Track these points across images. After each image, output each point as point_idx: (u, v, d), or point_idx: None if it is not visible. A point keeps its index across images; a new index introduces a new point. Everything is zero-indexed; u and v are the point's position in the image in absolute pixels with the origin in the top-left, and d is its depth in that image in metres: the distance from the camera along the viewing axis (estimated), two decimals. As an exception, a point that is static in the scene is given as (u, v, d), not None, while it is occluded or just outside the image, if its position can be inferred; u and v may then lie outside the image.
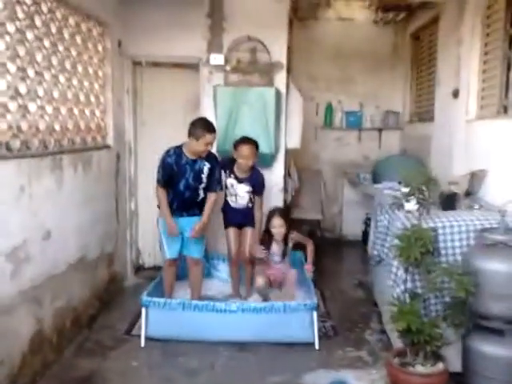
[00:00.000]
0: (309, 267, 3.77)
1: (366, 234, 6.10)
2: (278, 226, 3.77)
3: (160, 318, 3.34)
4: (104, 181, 3.99)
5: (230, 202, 3.96)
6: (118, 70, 4.28)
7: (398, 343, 3.19)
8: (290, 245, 3.88)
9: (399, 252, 2.74)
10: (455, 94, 4.15)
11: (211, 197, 3.63)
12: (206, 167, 3.58)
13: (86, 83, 3.69)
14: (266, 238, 3.82)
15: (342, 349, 3.35)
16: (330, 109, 6.25)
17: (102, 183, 3.93)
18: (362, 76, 6.25)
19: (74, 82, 3.47)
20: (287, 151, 4.53)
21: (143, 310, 3.33)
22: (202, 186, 3.60)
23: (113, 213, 4.23)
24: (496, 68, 3.53)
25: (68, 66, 3.35)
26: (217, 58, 4.30)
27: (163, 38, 4.35)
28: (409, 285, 2.88)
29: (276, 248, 3.84)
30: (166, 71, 4.70)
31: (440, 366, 2.70)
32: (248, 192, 3.86)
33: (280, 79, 4.33)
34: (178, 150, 3.56)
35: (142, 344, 3.33)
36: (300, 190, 5.85)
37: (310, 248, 3.87)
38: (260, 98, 4.13)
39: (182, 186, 3.57)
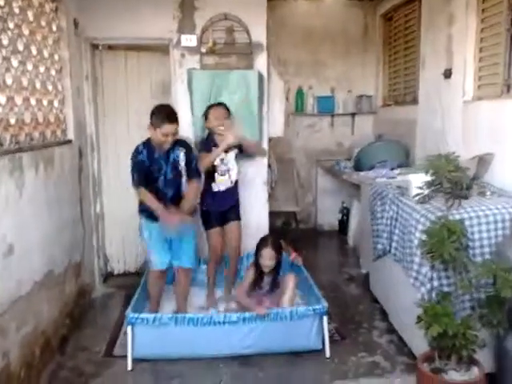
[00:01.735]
0: (294, 255, 3.46)
1: (342, 223, 5.89)
2: (267, 259, 3.25)
3: (148, 336, 2.90)
4: (67, 181, 3.45)
5: (215, 187, 3.51)
6: (75, 54, 3.72)
7: (413, 344, 2.94)
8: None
9: (429, 248, 2.45)
10: (447, 74, 3.91)
11: (192, 183, 3.17)
12: (181, 155, 3.12)
13: (41, 68, 3.13)
14: (255, 273, 3.30)
15: (353, 355, 3.05)
16: (300, 94, 5.92)
17: (65, 184, 3.39)
18: (333, 59, 5.95)
19: (29, 66, 2.91)
20: (270, 140, 4.15)
21: (129, 329, 2.87)
22: (183, 179, 3.17)
23: (78, 217, 3.70)
24: (499, 45, 3.31)
25: (20, 46, 2.79)
26: (189, 39, 3.83)
27: (126, 18, 3.83)
28: (435, 283, 2.61)
29: (267, 280, 3.33)
30: (129, 54, 4.18)
31: (475, 370, 2.45)
32: (236, 158, 3.53)
33: (260, 61, 3.93)
34: (147, 145, 3.10)
35: (129, 367, 2.87)
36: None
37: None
38: (242, 82, 3.73)
39: (161, 183, 3.12)
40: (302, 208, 6.05)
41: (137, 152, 3.09)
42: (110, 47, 4.34)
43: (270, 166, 4.41)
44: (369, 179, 4.07)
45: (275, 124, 4.08)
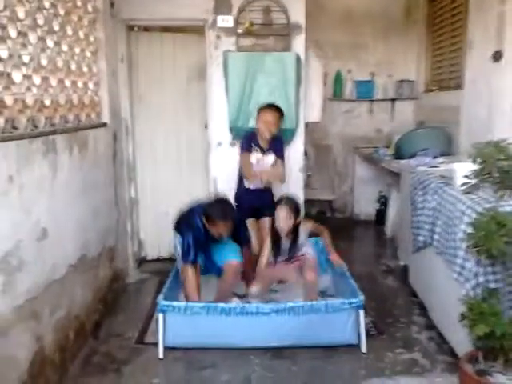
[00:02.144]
0: (335, 257, 3.29)
1: (380, 213, 5.71)
2: (283, 220, 3.10)
3: (180, 325, 2.85)
4: (102, 165, 3.43)
5: (246, 184, 3.50)
6: (110, 35, 3.67)
7: (455, 342, 2.79)
8: (304, 236, 3.30)
9: (475, 242, 2.29)
10: (497, 57, 3.67)
11: (233, 267, 3.26)
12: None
13: (76, 49, 3.08)
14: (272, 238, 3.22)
15: (390, 351, 2.92)
16: (339, 78, 5.73)
17: (99, 168, 3.37)
18: (373, 42, 5.73)
19: (64, 47, 2.87)
20: (307, 125, 4.01)
21: (160, 317, 2.83)
22: None
23: (112, 202, 3.68)
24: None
25: (56, 26, 2.75)
26: (225, 20, 3.72)
27: (162, -2, 3.74)
28: (480, 279, 2.45)
29: (285, 246, 3.25)
30: (165, 36, 4.11)
31: (524, 374, 2.29)
32: (273, 161, 3.45)
33: (298, 43, 3.79)
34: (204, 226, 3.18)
35: (161, 355, 2.83)
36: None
37: (326, 235, 3.35)
38: (279, 65, 3.60)
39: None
40: (338, 196, 5.91)
41: (192, 228, 3.19)
42: (146, 29, 4.29)
43: (306, 152, 4.29)
44: (410, 168, 3.88)
45: (312, 109, 3.95)
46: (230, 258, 3.26)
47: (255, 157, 3.41)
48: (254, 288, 3.18)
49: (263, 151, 3.41)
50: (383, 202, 5.66)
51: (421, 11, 5.60)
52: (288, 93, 3.62)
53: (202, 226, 3.15)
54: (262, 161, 3.41)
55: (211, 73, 3.86)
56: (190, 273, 3.14)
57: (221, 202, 3.24)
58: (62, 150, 2.68)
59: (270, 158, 3.44)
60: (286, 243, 3.21)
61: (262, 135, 3.36)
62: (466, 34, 4.32)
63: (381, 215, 5.65)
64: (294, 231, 3.19)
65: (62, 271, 2.66)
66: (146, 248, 4.35)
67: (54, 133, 2.60)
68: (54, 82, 2.69)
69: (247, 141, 3.43)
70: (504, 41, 3.59)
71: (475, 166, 2.54)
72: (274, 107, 3.37)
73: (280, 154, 3.46)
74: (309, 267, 3.21)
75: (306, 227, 3.29)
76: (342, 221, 5.86)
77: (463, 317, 2.35)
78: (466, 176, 2.42)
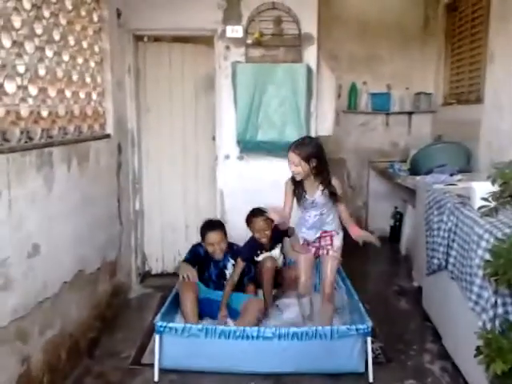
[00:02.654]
0: (356, 229, 2.88)
1: (394, 229, 5.50)
2: (291, 163, 2.72)
3: (177, 346, 2.72)
4: (104, 177, 3.33)
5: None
6: (117, 46, 3.60)
7: (470, 376, 2.60)
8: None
9: (493, 270, 2.11)
10: (520, 69, 3.49)
11: (249, 287, 3.36)
12: (230, 263, 3.38)
13: (79, 60, 3.01)
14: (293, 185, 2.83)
15: (400, 381, 2.73)
16: (354, 90, 5.58)
17: (101, 180, 3.28)
18: (390, 54, 5.55)
19: (65, 57, 2.79)
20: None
21: (157, 338, 2.70)
22: (227, 279, 3.37)
23: (115, 214, 3.58)
24: None
25: (56, 36, 2.67)
26: (235, 30, 3.63)
27: (170, 8, 3.67)
28: (499, 310, 2.26)
29: (312, 196, 2.80)
30: (173, 47, 4.03)
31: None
32: (280, 253, 3.53)
33: (310, 54, 3.66)
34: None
35: (156, 378, 2.70)
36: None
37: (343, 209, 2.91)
38: (289, 77, 3.47)
39: (206, 276, 3.40)
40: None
41: (198, 244, 3.43)
42: (156, 39, 4.22)
43: (317, 166, 4.13)
44: (426, 185, 3.70)
45: (324, 121, 3.80)
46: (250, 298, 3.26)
47: (262, 256, 3.46)
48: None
49: (268, 250, 3.47)
50: (398, 218, 5.46)
51: (439, 22, 5.43)
52: (298, 105, 3.49)
53: (203, 252, 3.39)
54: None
55: (220, 84, 3.75)
56: (187, 292, 3.09)
57: (207, 219, 3.49)
58: (58, 163, 2.59)
59: (276, 251, 3.49)
60: (313, 193, 2.81)
61: (261, 241, 3.40)
62: (487, 46, 4.13)
63: (395, 232, 5.45)
64: (318, 176, 2.78)
65: (55, 288, 2.56)
66: (151, 262, 4.24)
67: (50, 145, 2.51)
68: (52, 92, 2.62)
69: (250, 249, 3.42)
70: (527, 53, 3.41)
71: (495, 187, 2.37)
72: (261, 214, 3.23)
73: (283, 234, 3.50)
74: (328, 286, 2.89)
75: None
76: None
77: (479, 352, 2.16)
78: (485, 198, 2.25)
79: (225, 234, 3.37)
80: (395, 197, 5.52)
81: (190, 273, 3.23)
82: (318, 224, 2.89)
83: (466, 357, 2.63)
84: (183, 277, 3.20)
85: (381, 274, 4.55)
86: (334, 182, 2.87)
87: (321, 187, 2.81)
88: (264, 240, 3.37)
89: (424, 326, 3.40)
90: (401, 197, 5.35)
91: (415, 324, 3.46)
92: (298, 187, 2.82)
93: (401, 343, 3.18)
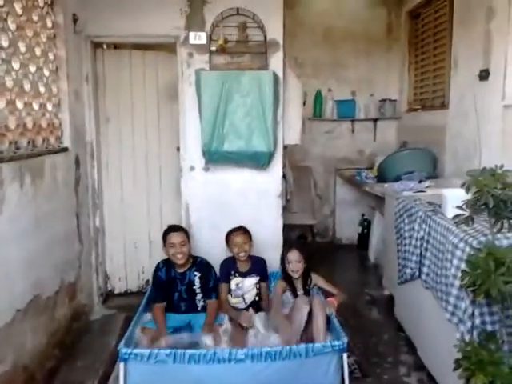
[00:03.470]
0: (332, 300, 3.01)
1: (362, 237, 5.48)
2: (294, 261, 3.11)
3: (144, 373, 2.53)
4: (61, 194, 3.12)
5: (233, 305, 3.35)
6: (74, 53, 3.41)
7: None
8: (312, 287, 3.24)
9: (470, 282, 2.05)
10: (483, 75, 3.51)
11: (211, 304, 3.20)
12: (197, 277, 3.23)
13: (31, 68, 2.81)
14: (284, 285, 3.17)
15: (378, 397, 2.66)
16: (319, 98, 5.54)
17: (58, 197, 3.06)
18: (354, 60, 5.56)
19: (15, 65, 2.59)
20: (285, 148, 3.78)
21: (121, 365, 2.51)
22: (198, 297, 3.24)
23: (74, 232, 3.37)
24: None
25: (4, 43, 2.48)
26: (198, 37, 3.49)
27: (131, 13, 3.49)
28: (477, 321, 2.21)
29: (299, 287, 3.19)
30: (134, 54, 3.86)
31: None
32: (255, 284, 3.34)
33: (276, 61, 3.55)
34: (166, 263, 3.25)
35: (122, 409, 2.52)
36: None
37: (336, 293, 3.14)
38: (255, 84, 3.35)
39: (176, 299, 3.22)
40: (319, 220, 5.67)
41: (157, 268, 3.25)
42: (115, 46, 4.05)
43: (284, 176, 4.04)
44: (394, 192, 3.66)
45: (291, 130, 3.71)
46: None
47: (234, 282, 3.32)
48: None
49: (243, 275, 3.33)
50: (366, 225, 5.44)
51: (402, 29, 5.48)
52: (265, 114, 3.38)
53: (163, 267, 3.24)
54: (242, 284, 3.32)
55: (183, 92, 3.60)
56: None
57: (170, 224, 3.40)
58: (9, 181, 2.39)
59: (251, 280, 3.32)
60: (301, 290, 3.17)
61: (239, 258, 3.30)
62: (451, 52, 4.18)
63: (363, 239, 5.43)
64: (306, 276, 3.19)
65: (6, 318, 2.34)
66: (113, 281, 4.02)
67: (-1, 161, 2.31)
68: (1, 103, 2.41)
69: (225, 270, 3.34)
70: (491, 59, 3.43)
71: (467, 194, 2.32)
72: (240, 229, 3.32)
73: (265, 275, 3.42)
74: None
75: (313, 278, 3.24)
76: (323, 245, 5.62)
77: (459, 365, 2.10)
78: (459, 207, 2.19)
79: (188, 239, 3.23)
80: (362, 204, 5.50)
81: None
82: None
83: (442, 368, 2.58)
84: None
85: (351, 282, 4.49)
86: (317, 278, 3.24)
87: (306, 283, 3.19)
88: (242, 255, 3.28)
89: (398, 337, 3.35)
90: (368, 204, 5.34)
91: (389, 335, 3.40)
92: (289, 287, 3.16)
93: (375, 356, 3.11)
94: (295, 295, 3.12)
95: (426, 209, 2.94)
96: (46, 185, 2.85)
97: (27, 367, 2.53)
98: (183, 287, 3.20)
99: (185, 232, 3.27)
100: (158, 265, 3.25)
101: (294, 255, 3.12)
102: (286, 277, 3.18)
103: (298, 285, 3.18)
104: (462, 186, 2.29)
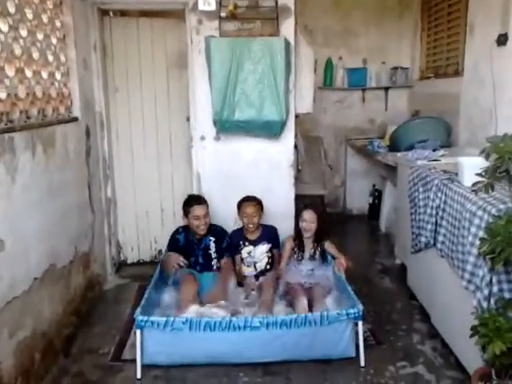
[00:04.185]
0: (342, 262, 3.09)
1: (373, 207, 5.46)
2: (308, 221, 3.19)
3: (160, 341, 2.57)
4: (73, 164, 3.11)
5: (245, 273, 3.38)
6: (80, 20, 3.34)
7: (462, 354, 2.55)
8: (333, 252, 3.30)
9: (489, 249, 2.02)
10: (502, 40, 3.40)
11: (224, 264, 3.31)
12: (212, 242, 3.34)
13: (39, 35, 2.76)
14: (296, 242, 3.26)
15: (391, 363, 2.67)
16: (329, 66, 5.43)
17: (70, 167, 3.05)
18: (366, 27, 5.42)
19: (23, 32, 2.54)
20: (297, 116, 3.72)
21: (138, 333, 2.55)
22: (213, 262, 3.36)
23: (86, 203, 3.37)
24: None
25: (11, 8, 2.41)
26: (207, 3, 3.39)
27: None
28: (494, 288, 2.19)
29: (308, 247, 3.24)
30: (142, 22, 3.78)
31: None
32: (267, 252, 3.38)
33: (287, 28, 3.46)
34: (185, 229, 3.37)
35: (138, 375, 2.55)
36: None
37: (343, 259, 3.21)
38: (266, 51, 3.27)
39: (193, 262, 3.31)
40: (330, 191, 5.62)
41: (177, 231, 3.38)
42: (122, 13, 3.96)
43: (296, 146, 3.99)
44: (408, 161, 3.62)
45: (303, 99, 3.64)
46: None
47: (246, 250, 3.37)
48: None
49: (253, 243, 3.37)
50: (377, 196, 5.41)
51: (415, -6, 5.31)
52: (277, 81, 3.31)
53: (182, 232, 3.35)
54: (254, 252, 3.36)
55: (192, 61, 3.53)
56: (189, 285, 3.05)
57: (191, 194, 3.50)
58: (21, 150, 2.37)
59: (262, 248, 3.36)
60: (308, 251, 3.25)
61: (248, 228, 3.35)
62: (466, 17, 4.04)
63: (374, 210, 5.41)
64: (318, 239, 3.24)
65: (24, 286, 2.36)
66: (126, 251, 4.05)
67: (11, 130, 2.28)
68: (10, 72, 2.37)
69: (234, 242, 3.40)
70: (510, 23, 3.31)
71: (486, 161, 2.28)
72: (253, 200, 3.37)
73: (276, 242, 3.45)
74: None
75: (326, 244, 3.29)
76: (334, 216, 5.60)
77: (476, 332, 2.10)
78: (479, 174, 2.15)
79: (208, 209, 3.33)
80: (373, 174, 5.46)
81: (178, 260, 3.16)
82: (309, 278, 3.12)
83: (457, 336, 2.59)
84: (174, 266, 3.14)
85: (362, 252, 4.49)
86: (329, 245, 3.29)
87: (316, 246, 3.24)
88: (251, 226, 3.32)
89: (410, 305, 3.35)
90: (379, 174, 5.29)
91: (401, 303, 3.41)
92: (298, 245, 3.24)
93: (389, 324, 3.12)
94: (302, 256, 3.21)
95: (441, 177, 2.90)
96: (57, 155, 2.83)
97: (46, 334, 2.57)
98: (200, 252, 3.30)
99: (206, 203, 3.34)
100: (178, 229, 3.37)
101: (308, 214, 3.19)
102: (298, 235, 3.25)
103: (308, 244, 3.24)
104: (482, 152, 2.25)
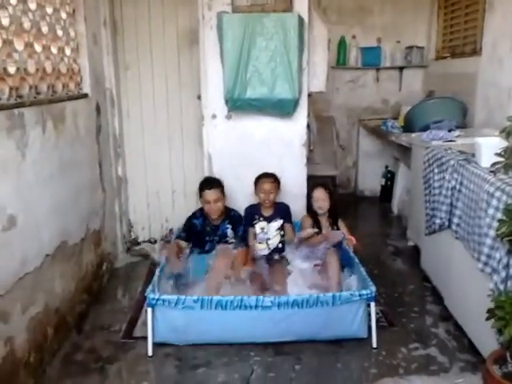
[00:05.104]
0: (352, 238, 3.10)
1: (385, 189, 5.40)
2: (320, 199, 3.23)
3: (171, 319, 2.57)
4: (83, 141, 3.08)
5: (257, 252, 3.30)
6: (90, -5, 3.28)
7: (475, 337, 2.53)
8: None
9: (508, 231, 1.98)
10: (523, 16, 3.30)
11: (239, 253, 3.13)
12: (229, 230, 3.28)
13: (48, 9, 2.70)
14: (311, 218, 3.26)
15: (404, 345, 2.65)
16: (343, 45, 5.32)
17: (80, 144, 3.02)
18: (380, 5, 5.30)
19: (31, 5, 2.49)
20: (309, 95, 3.64)
21: (149, 311, 2.55)
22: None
23: (97, 181, 3.35)
24: None
25: (20, -20, 2.36)
26: (219, -23, 3.31)
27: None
28: (511, 271, 2.15)
29: (324, 225, 3.25)
30: (153, -3, 3.70)
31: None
32: (279, 229, 3.32)
33: (301, 4, 3.36)
34: (202, 212, 3.30)
35: (150, 353, 2.56)
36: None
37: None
38: (279, 28, 3.19)
39: (208, 248, 3.24)
40: (341, 172, 5.58)
41: (194, 215, 3.31)
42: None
43: (308, 125, 3.93)
44: (423, 142, 3.55)
45: (317, 77, 3.56)
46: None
47: (259, 226, 3.31)
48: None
49: (267, 219, 3.32)
50: (389, 177, 5.34)
51: (432, -30, 5.16)
52: (290, 59, 3.24)
53: (200, 216, 3.29)
54: (268, 228, 3.32)
55: (204, 37, 3.46)
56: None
57: (205, 176, 3.44)
58: (31, 126, 2.34)
59: (275, 224, 3.32)
60: (326, 229, 3.24)
61: (263, 203, 3.32)
62: (488, -7, 3.92)
63: (386, 191, 5.35)
64: (332, 215, 3.28)
65: (36, 262, 2.36)
66: (137, 230, 4.04)
67: (21, 105, 2.25)
68: (19, 46, 2.33)
69: (249, 215, 3.36)
70: (532, -1, 3.20)
71: (506, 141, 2.22)
72: (271, 177, 3.33)
73: (288, 218, 3.40)
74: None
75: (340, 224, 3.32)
76: (345, 197, 5.55)
77: (492, 314, 2.06)
78: (499, 154, 2.09)
79: (223, 194, 3.25)
80: (386, 156, 5.38)
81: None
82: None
83: (471, 318, 2.55)
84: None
85: (375, 234, 4.45)
86: (341, 223, 3.31)
87: (332, 223, 3.27)
88: (267, 203, 3.29)
89: (423, 287, 3.32)
90: (392, 155, 5.22)
91: (414, 285, 3.38)
92: (314, 224, 3.23)
93: (401, 306, 3.09)
94: (320, 233, 3.18)
95: (457, 158, 2.83)
96: (68, 131, 2.80)
97: (58, 310, 2.58)
98: (216, 238, 3.26)
99: (220, 187, 3.26)
100: (195, 213, 3.31)
101: (319, 193, 3.23)
102: (312, 215, 3.27)
103: (324, 222, 3.26)
104: (502, 131, 2.19)
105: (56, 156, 2.63)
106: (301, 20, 3.30)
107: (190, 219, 3.30)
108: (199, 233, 3.25)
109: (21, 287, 2.19)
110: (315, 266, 2.98)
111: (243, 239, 3.25)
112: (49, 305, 2.48)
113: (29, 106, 2.32)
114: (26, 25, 2.40)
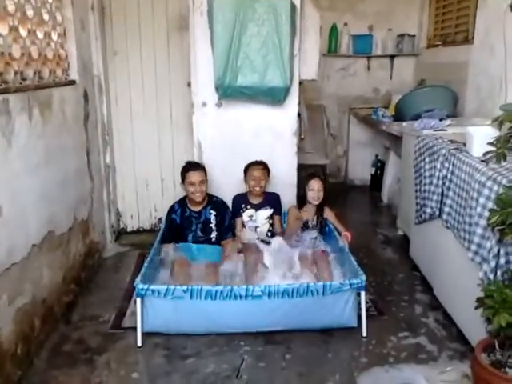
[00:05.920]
0: (347, 234, 3.06)
1: (375, 178, 5.40)
2: (316, 189, 3.20)
3: (160, 309, 2.54)
4: (71, 128, 3.02)
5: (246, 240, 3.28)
6: (77, -22, 3.19)
7: (464, 325, 2.54)
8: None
9: (499, 220, 1.97)
10: (515, 4, 3.28)
11: (226, 244, 3.17)
12: (213, 216, 3.23)
13: (34, -8, 2.63)
14: (297, 212, 3.27)
15: (393, 334, 2.66)
16: (334, 32, 5.28)
17: (68, 132, 2.97)
18: (372, -8, 5.24)
19: (16, -13, 2.41)
20: (301, 83, 3.61)
21: (138, 301, 2.52)
22: (213, 235, 3.24)
23: (84, 169, 3.30)
24: None
25: (5, -38, 2.29)
26: (209, -40, 3.24)
27: None
28: (502, 260, 2.15)
29: (310, 223, 3.23)
30: (140, -20, 3.62)
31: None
32: (268, 218, 3.35)
33: (293, -12, 3.32)
34: (181, 203, 3.25)
35: (139, 343, 2.54)
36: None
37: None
38: (271, 13, 3.14)
39: (191, 239, 3.19)
40: (332, 161, 5.56)
41: (171, 210, 3.24)
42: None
43: (299, 114, 3.89)
44: (414, 130, 3.54)
45: (308, 65, 3.52)
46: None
47: (247, 214, 3.34)
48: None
49: (255, 207, 3.34)
50: (379, 166, 5.34)
51: (424, -44, 5.12)
52: (282, 45, 3.19)
53: (178, 209, 3.22)
54: (256, 216, 3.34)
55: (194, 23, 3.39)
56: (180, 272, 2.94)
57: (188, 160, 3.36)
58: (17, 112, 2.28)
59: (264, 213, 3.34)
60: (311, 220, 3.25)
61: (253, 191, 3.31)
62: (480, -19, 3.89)
63: (376, 180, 5.35)
64: (320, 207, 3.25)
65: (23, 253, 2.31)
66: (125, 219, 4.00)
67: (5, 91, 2.19)
68: (3, 30, 2.26)
69: (237, 204, 3.37)
70: (525, -13, 3.18)
71: (494, 131, 2.21)
72: (260, 164, 3.33)
73: (278, 208, 3.43)
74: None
75: (327, 213, 3.30)
76: (336, 186, 5.54)
77: (482, 303, 2.07)
78: (491, 143, 2.08)
79: (206, 177, 3.21)
80: (376, 145, 5.38)
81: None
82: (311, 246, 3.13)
83: (460, 307, 2.57)
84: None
85: (364, 223, 4.46)
86: (328, 212, 3.30)
87: (318, 214, 3.26)
88: (257, 190, 3.28)
89: (413, 276, 3.34)
90: (383, 144, 5.21)
91: (403, 274, 3.39)
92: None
93: (391, 294, 3.11)
94: (306, 225, 3.21)
95: (449, 147, 2.83)
96: (55, 118, 2.74)
97: (45, 300, 2.55)
98: (199, 225, 3.19)
99: (203, 170, 3.23)
100: (173, 207, 3.24)
101: (316, 183, 3.20)
102: (301, 205, 3.26)
103: (310, 210, 3.24)
104: (495, 121, 2.17)
105: (43, 144, 2.57)
106: (293, 6, 3.24)
107: (168, 215, 3.23)
108: (179, 226, 3.18)
109: (7, 278, 2.15)
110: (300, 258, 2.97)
111: (230, 228, 3.24)
112: (36, 295, 2.44)
113: (14, 92, 2.26)
114: (10, 8, 2.33)
